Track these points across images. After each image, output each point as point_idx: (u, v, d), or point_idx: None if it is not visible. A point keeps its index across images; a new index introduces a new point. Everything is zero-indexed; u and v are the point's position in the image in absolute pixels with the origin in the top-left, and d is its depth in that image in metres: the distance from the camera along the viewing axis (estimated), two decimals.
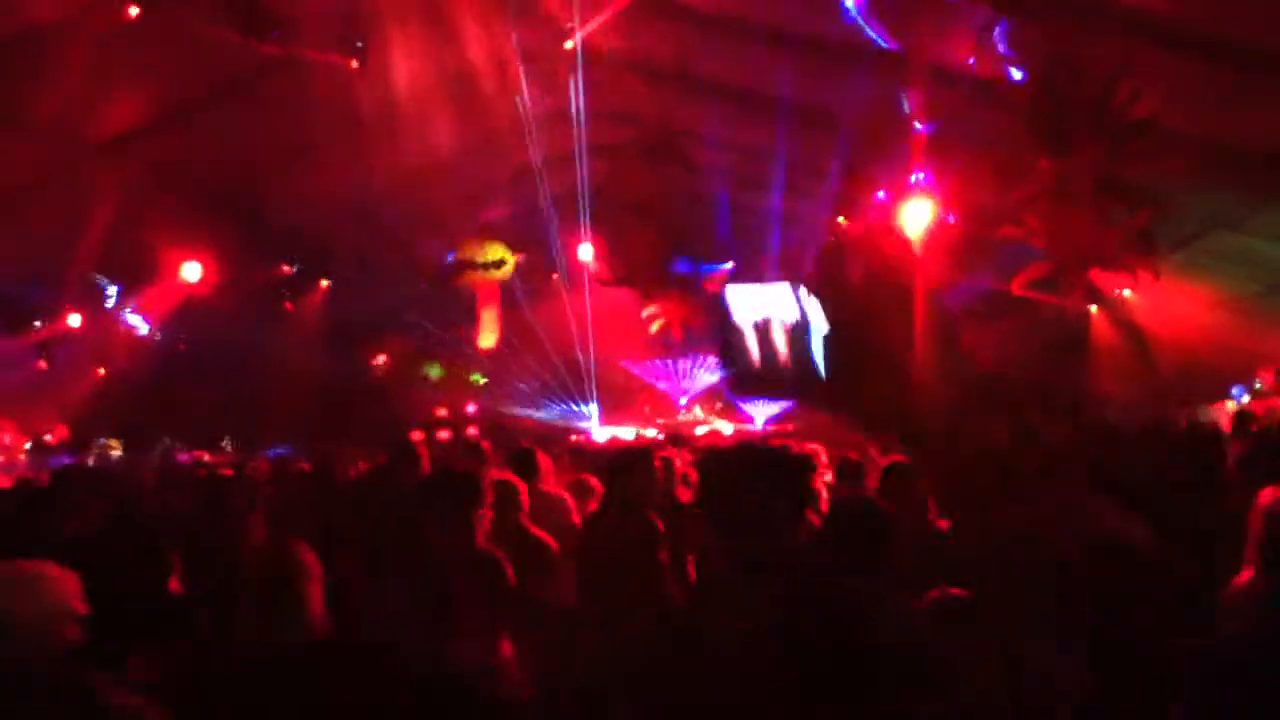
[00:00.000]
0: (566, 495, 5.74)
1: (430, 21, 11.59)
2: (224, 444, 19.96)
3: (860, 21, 10.43)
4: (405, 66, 12.32)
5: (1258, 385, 14.82)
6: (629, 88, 13.72)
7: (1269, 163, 10.98)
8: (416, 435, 21.17)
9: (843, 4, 10.34)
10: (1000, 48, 9.51)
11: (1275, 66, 8.95)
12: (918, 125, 11.17)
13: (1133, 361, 14.52)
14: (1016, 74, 9.71)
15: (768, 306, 18.93)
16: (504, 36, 12.02)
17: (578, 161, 15.56)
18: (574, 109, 13.82)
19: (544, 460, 5.89)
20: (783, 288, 18.58)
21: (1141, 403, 12.54)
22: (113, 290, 15.76)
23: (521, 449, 6.05)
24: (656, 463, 5.27)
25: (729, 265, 18.98)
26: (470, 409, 23.29)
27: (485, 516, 4.00)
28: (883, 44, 10.47)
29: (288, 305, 16.06)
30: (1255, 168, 11.27)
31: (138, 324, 16.12)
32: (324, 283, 16.54)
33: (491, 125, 14.01)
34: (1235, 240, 13.29)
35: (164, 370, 17.05)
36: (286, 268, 15.62)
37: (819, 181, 14.72)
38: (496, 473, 5.19)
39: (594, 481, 5.93)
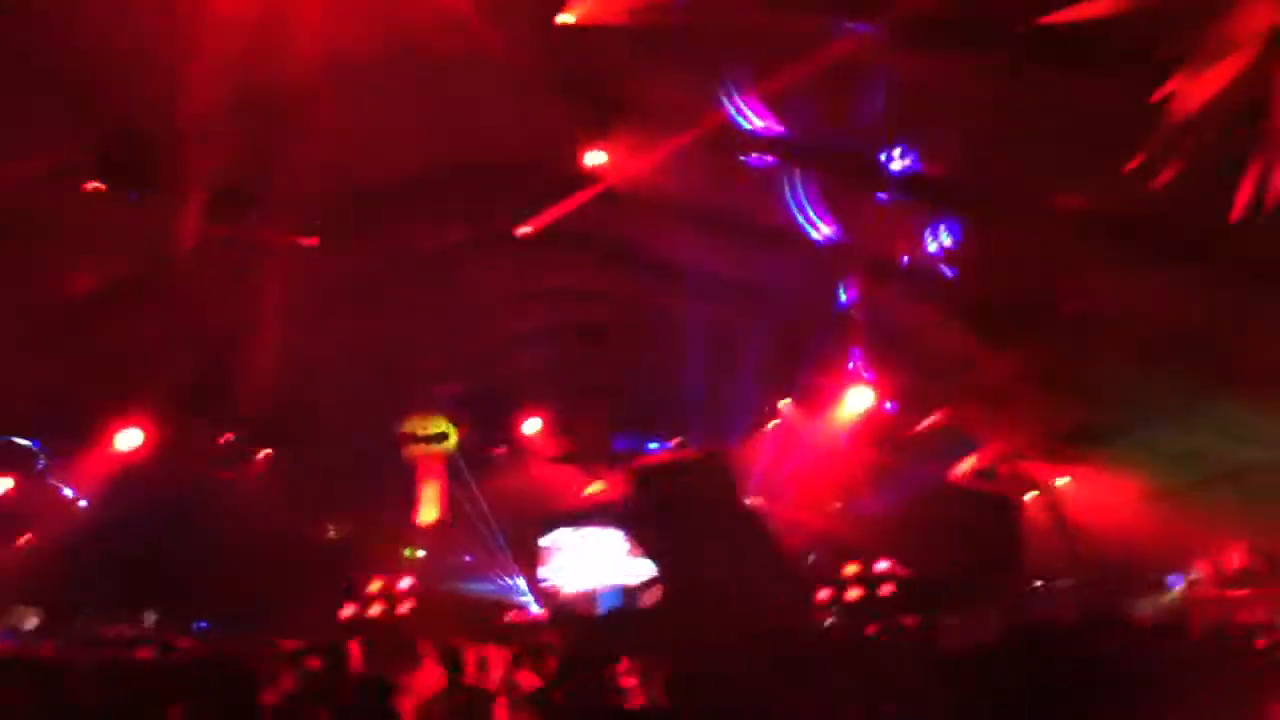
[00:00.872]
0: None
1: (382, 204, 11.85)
2: (146, 617, 19.20)
3: (798, 214, 10.86)
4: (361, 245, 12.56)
5: (1194, 576, 14.95)
6: (576, 266, 14.02)
7: (1204, 360, 11.41)
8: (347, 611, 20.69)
9: (786, 195, 10.77)
10: (936, 245, 9.92)
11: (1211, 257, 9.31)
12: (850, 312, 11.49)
13: (1065, 552, 14.63)
14: (948, 271, 10.10)
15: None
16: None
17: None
18: None
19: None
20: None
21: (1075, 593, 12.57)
22: (43, 456, 15.41)
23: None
24: None
25: (675, 442, 19.07)
26: (404, 584, 22.74)
27: None
28: (816, 236, 10.87)
29: (227, 475, 15.75)
30: (1191, 365, 11.69)
31: (68, 491, 15.71)
32: (265, 452, 16.29)
33: (443, 309, 14.20)
34: (1170, 434, 13.63)
35: (92, 538, 16.50)
36: (227, 436, 15.38)
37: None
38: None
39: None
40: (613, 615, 18.17)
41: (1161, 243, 9.28)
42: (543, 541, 23.12)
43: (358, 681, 4.73)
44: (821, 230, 10.72)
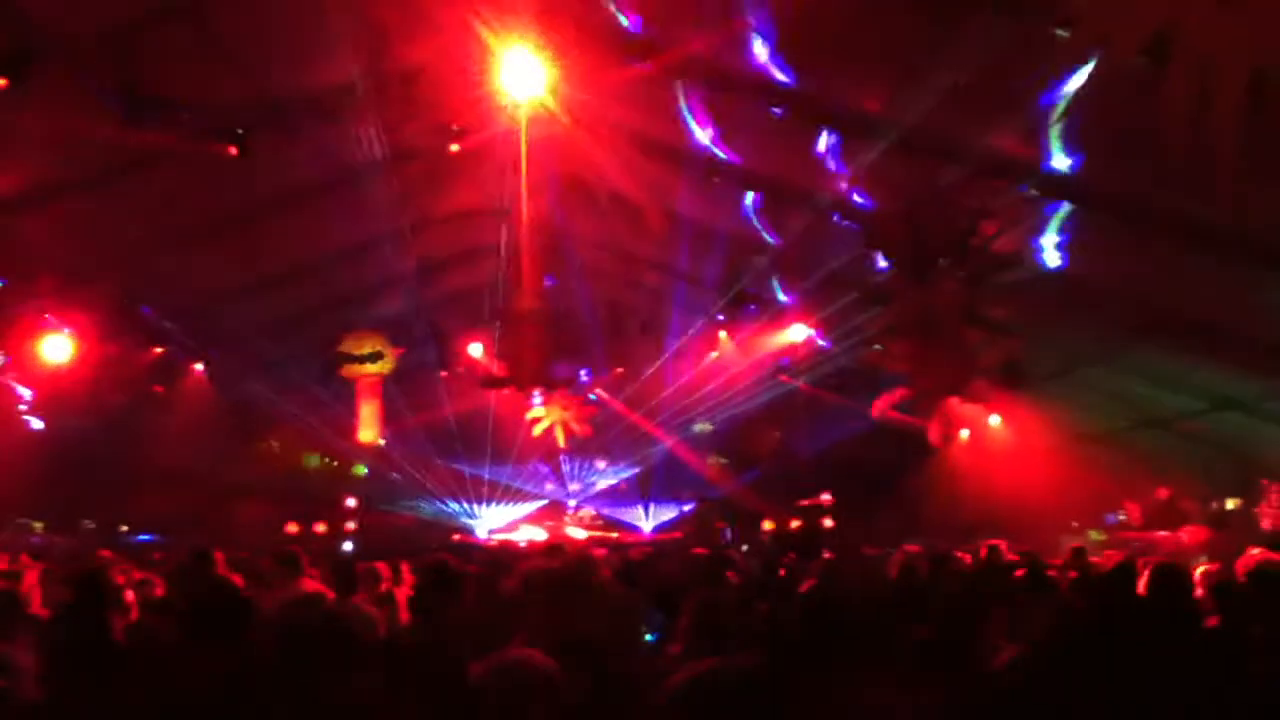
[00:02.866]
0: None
1: (317, 116, 11.56)
2: (85, 524, 19.20)
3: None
4: (294, 157, 12.28)
5: (1121, 517, 15.17)
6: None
7: (1138, 303, 11.43)
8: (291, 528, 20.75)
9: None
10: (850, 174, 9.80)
11: (1148, 214, 9.29)
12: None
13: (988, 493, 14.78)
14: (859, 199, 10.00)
15: None
16: (393, 132, 12.00)
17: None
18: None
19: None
20: None
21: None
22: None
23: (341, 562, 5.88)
24: None
25: (618, 371, 19.14)
26: (350, 503, 22.81)
27: None
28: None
29: (157, 388, 15.56)
30: (1124, 308, 11.72)
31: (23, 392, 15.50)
32: (198, 367, 16.12)
33: (385, 223, 13.99)
34: (1105, 376, 13.73)
35: (25, 448, 16.35)
36: (156, 350, 15.17)
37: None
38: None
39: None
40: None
41: (1086, 193, 9.22)
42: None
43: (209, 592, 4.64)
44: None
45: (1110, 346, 12.65)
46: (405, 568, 7.15)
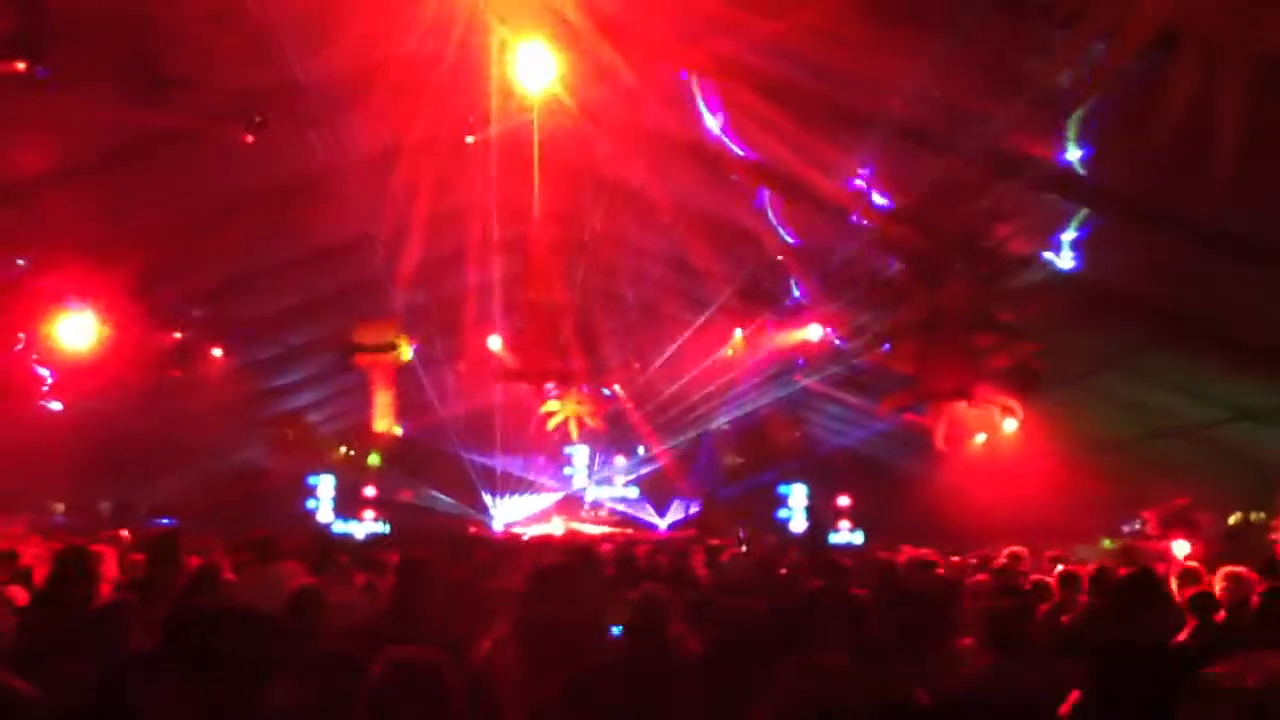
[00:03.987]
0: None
1: (339, 106, 11.61)
2: (102, 507, 19.41)
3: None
4: (312, 143, 12.33)
5: (1138, 526, 14.98)
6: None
7: (1157, 309, 11.28)
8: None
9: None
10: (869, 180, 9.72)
11: (1164, 216, 9.15)
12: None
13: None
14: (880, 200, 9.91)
15: None
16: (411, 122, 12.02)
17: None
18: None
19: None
20: None
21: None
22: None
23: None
24: None
25: (634, 366, 19.12)
26: (368, 493, 22.94)
27: None
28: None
29: (175, 372, 15.66)
30: (1143, 313, 11.56)
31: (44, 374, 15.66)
32: (216, 352, 16.20)
33: (402, 212, 14.02)
34: (1122, 383, 13.54)
35: (45, 430, 16.52)
36: (175, 334, 15.27)
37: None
38: None
39: None
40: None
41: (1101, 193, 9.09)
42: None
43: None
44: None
45: (1128, 353, 12.47)
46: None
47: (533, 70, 9.70)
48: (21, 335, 14.18)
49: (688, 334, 17.01)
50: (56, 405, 16.02)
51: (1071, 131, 8.00)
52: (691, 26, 9.52)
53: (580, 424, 18.51)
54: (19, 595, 6.00)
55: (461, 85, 11.21)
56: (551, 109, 10.83)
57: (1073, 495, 14.44)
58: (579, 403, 17.35)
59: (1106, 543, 14.31)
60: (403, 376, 17.21)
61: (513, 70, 9.79)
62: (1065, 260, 9.84)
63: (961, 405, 10.73)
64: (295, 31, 10.32)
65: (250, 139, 10.81)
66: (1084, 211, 9.52)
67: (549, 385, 16.94)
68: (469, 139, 11.66)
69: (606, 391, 19.68)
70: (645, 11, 9.58)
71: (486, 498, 24.38)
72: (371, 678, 2.77)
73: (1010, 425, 14.84)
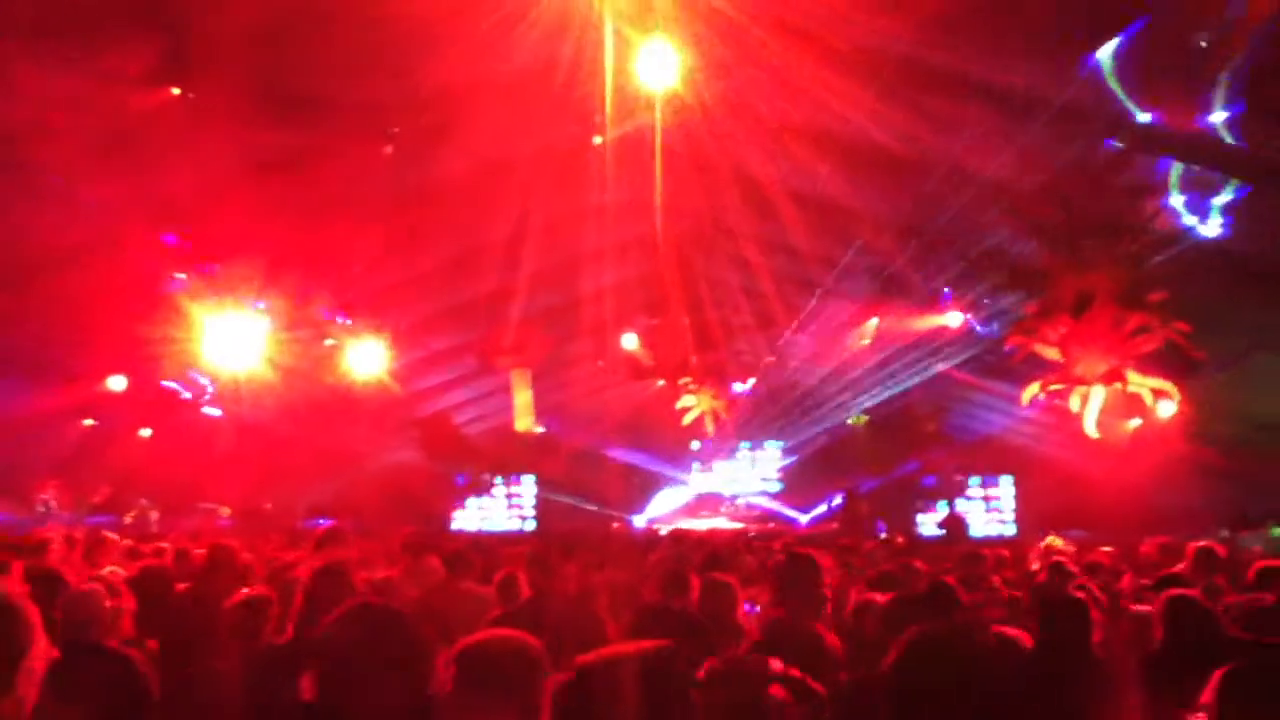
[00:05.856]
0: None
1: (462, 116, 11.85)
2: (265, 507, 20.35)
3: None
4: (448, 153, 12.64)
5: None
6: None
7: None
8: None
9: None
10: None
11: None
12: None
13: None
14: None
15: None
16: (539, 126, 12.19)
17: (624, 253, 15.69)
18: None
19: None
20: None
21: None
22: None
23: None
24: None
25: (769, 360, 19.02)
26: (512, 491, 23.44)
27: None
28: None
29: (330, 379, 16.29)
30: None
31: (180, 389, 16.55)
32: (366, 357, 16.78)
33: (537, 216, 14.24)
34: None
35: (208, 435, 17.43)
36: (329, 340, 15.90)
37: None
38: None
39: None
40: None
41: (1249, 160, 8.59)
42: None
43: None
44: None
45: None
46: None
47: (655, 67, 9.72)
48: (186, 347, 14.97)
49: (820, 324, 16.81)
50: (216, 413, 16.90)
51: (1220, 93, 7.59)
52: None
53: (716, 418, 18.53)
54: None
55: (580, 87, 11.32)
56: (674, 104, 10.83)
57: (1234, 481, 13.73)
58: (714, 397, 17.36)
59: (1276, 531, 13.52)
60: (541, 378, 17.49)
61: (634, 68, 9.81)
62: (1212, 228, 9.32)
63: (1112, 389, 10.28)
64: (414, 44, 10.59)
65: (390, 150, 11.18)
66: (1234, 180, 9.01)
67: (684, 380, 17.01)
68: (596, 140, 11.71)
69: (741, 385, 19.63)
70: None
71: (628, 495, 24.56)
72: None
73: (1166, 409, 14.20)
